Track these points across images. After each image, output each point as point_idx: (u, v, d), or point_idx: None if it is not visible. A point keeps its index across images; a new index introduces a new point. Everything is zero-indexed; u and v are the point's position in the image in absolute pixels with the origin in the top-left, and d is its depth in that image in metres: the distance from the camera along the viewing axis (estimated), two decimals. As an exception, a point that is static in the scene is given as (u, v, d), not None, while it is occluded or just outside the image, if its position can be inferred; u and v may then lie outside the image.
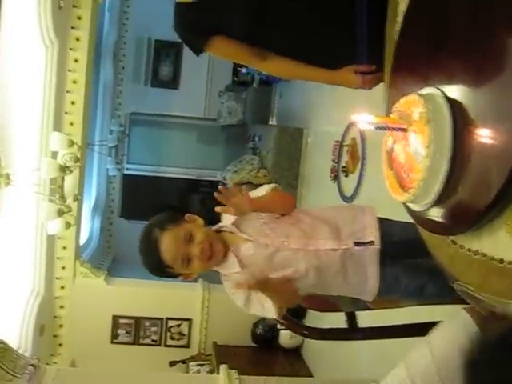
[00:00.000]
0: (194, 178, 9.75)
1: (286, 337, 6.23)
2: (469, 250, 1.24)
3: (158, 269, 1.79)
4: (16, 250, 5.22)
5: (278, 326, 6.29)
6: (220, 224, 1.87)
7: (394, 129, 1.35)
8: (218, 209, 1.74)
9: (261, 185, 6.10)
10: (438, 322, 1.60)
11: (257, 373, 4.70)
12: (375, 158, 4.64)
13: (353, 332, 1.87)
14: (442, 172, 1.24)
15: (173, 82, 9.49)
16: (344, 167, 5.21)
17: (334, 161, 5.47)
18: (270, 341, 6.34)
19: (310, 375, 5.84)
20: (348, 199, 5.03)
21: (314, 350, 5.94)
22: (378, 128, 1.36)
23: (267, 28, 1.94)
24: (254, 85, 8.77)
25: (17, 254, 5.26)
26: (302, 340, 6.27)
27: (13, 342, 3.80)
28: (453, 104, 1.26)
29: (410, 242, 1.69)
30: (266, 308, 1.75)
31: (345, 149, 5.22)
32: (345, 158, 5.22)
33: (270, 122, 8.67)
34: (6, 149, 4.71)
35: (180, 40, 2.04)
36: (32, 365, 3.30)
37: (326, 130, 6.14)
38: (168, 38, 9.04)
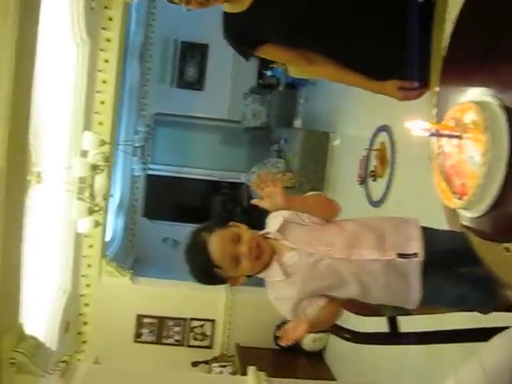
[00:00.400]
0: (216, 179, 9.77)
1: (308, 340, 6.22)
2: (524, 257, 1.25)
3: (207, 271, 1.80)
4: (45, 247, 5.28)
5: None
6: (265, 230, 1.89)
7: (449, 136, 1.36)
8: (254, 201, 1.77)
9: (287, 188, 6.10)
10: (479, 329, 1.61)
11: (279, 375, 4.71)
12: (404, 162, 4.63)
13: (395, 337, 1.87)
14: (498, 179, 1.25)
15: (198, 84, 9.52)
16: (372, 171, 5.20)
17: (360, 168, 5.47)
18: (292, 344, 6.32)
19: (332, 379, 5.83)
20: (376, 204, 5.02)
21: (337, 353, 5.94)
22: (433, 134, 1.37)
23: (313, 38, 1.98)
24: (280, 88, 8.78)
25: (46, 250, 5.32)
26: (325, 343, 6.26)
27: (39, 338, 3.84)
28: (509, 111, 1.26)
29: (454, 250, 1.69)
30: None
31: (373, 153, 5.21)
32: (373, 162, 5.21)
33: (295, 125, 8.67)
34: (37, 147, 4.77)
35: (230, 43, 2.09)
36: (64, 361, 3.34)
37: (354, 134, 6.14)
38: (194, 39, 9.12)
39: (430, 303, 1.79)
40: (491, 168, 1.25)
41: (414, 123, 1.34)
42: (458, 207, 1.37)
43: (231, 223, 1.87)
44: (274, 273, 1.80)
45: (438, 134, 1.37)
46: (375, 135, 5.20)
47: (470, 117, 1.32)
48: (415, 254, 1.74)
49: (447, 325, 1.87)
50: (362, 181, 5.44)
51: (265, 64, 9.07)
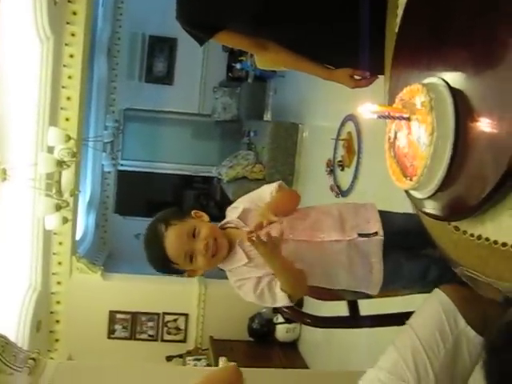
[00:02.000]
0: (188, 173, 9.75)
1: (282, 331, 6.26)
2: (471, 235, 1.27)
3: (163, 264, 1.80)
4: (13, 245, 5.23)
5: (274, 320, 6.32)
6: (225, 220, 1.89)
7: (397, 118, 1.38)
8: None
9: (257, 180, 6.08)
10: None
11: (254, 367, 4.72)
12: (371, 152, 4.67)
13: (356, 320, 1.89)
14: (445, 158, 1.27)
15: (167, 78, 9.48)
16: (340, 161, 5.23)
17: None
18: (266, 335, 6.36)
19: (306, 368, 5.87)
20: (344, 193, 5.05)
21: (311, 343, 5.98)
22: (381, 117, 1.38)
23: (271, 25, 1.97)
24: (249, 80, 8.78)
25: (14, 249, 5.26)
26: (299, 334, 6.30)
27: (10, 338, 3.80)
28: (455, 93, 1.28)
29: (411, 232, 1.72)
30: (277, 295, 1.75)
31: (340, 143, 5.24)
32: (340, 152, 5.25)
33: (265, 118, 8.69)
34: (2, 144, 4.71)
35: (184, 31, 2.07)
36: (32, 358, 3.30)
37: (322, 125, 6.17)
38: (162, 33, 9.04)
39: (391, 283, 1.81)
40: (437, 148, 1.27)
41: (364, 107, 1.35)
42: (408, 188, 1.39)
43: (193, 212, 1.85)
44: (238, 258, 1.80)
45: (386, 117, 1.38)
46: (342, 125, 5.23)
47: (419, 99, 1.34)
48: (375, 233, 1.77)
49: (409, 307, 1.89)
50: (331, 171, 5.47)
51: (234, 57, 9.07)
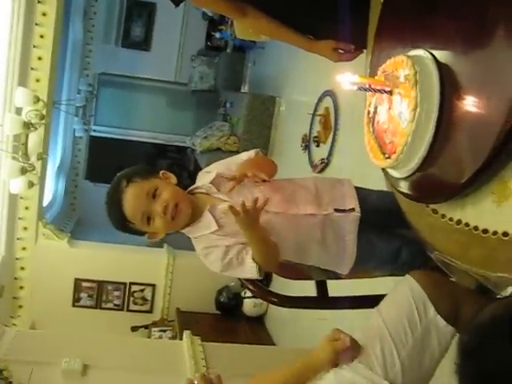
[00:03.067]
0: (162, 142, 9.61)
1: (249, 305, 6.22)
2: (450, 219, 1.20)
3: (121, 223, 1.71)
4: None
5: (242, 294, 6.27)
6: (194, 185, 1.78)
7: (379, 90, 1.29)
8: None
9: (231, 152, 6.01)
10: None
11: (220, 340, 4.68)
12: (348, 128, 4.59)
13: (324, 301, 1.82)
14: (427, 136, 1.19)
15: (144, 44, 9.27)
16: (316, 137, 5.14)
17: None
18: (233, 309, 6.32)
19: (272, 344, 5.85)
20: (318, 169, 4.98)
21: (277, 319, 5.95)
22: (361, 89, 1.29)
23: None
24: (228, 50, 8.62)
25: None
26: (266, 309, 6.26)
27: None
28: (441, 67, 1.20)
29: (386, 210, 1.65)
30: (247, 265, 1.67)
31: (317, 118, 5.15)
32: (317, 127, 5.16)
33: (242, 90, 8.54)
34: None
35: None
36: (-11, 325, 3.21)
37: (299, 100, 6.06)
38: (141, -3, 8.84)
39: (362, 263, 1.74)
40: (419, 125, 1.19)
41: (343, 76, 1.26)
42: (386, 166, 1.31)
43: (161, 172, 1.75)
44: (207, 224, 1.70)
45: (367, 89, 1.29)
46: (320, 100, 5.14)
47: (402, 71, 1.26)
48: (352, 209, 1.71)
49: (376, 290, 1.83)
50: (306, 146, 5.39)
51: (213, 25, 8.88)
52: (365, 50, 1.93)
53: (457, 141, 1.15)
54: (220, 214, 1.69)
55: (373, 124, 1.37)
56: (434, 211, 1.25)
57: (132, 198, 1.66)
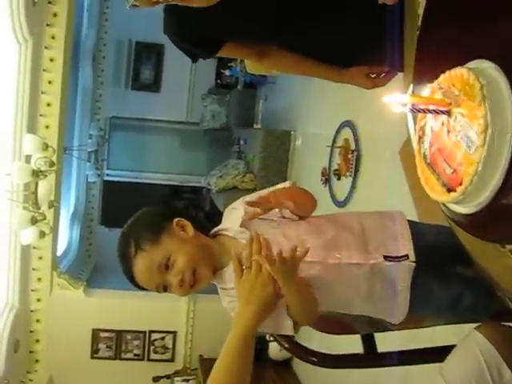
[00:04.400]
0: (177, 183, 9.47)
1: (275, 349, 5.93)
2: (537, 261, 0.98)
3: (136, 286, 1.51)
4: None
5: (267, 338, 6.01)
6: (220, 226, 1.55)
7: (435, 111, 1.08)
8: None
9: (248, 190, 5.78)
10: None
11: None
12: (370, 159, 4.39)
13: (372, 358, 1.58)
14: (501, 163, 0.98)
15: (154, 85, 9.23)
16: (336, 170, 4.95)
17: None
18: (258, 353, 6.03)
19: (301, 388, 5.58)
20: (341, 204, 4.76)
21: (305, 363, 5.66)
22: (415, 110, 1.09)
23: (283, 33, 1.71)
24: (238, 87, 8.53)
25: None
26: (293, 352, 5.98)
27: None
28: (511, 77, 1.00)
29: (445, 247, 1.42)
30: (282, 322, 1.45)
31: (337, 150, 4.96)
32: (337, 160, 4.96)
33: (255, 126, 8.43)
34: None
35: (180, 44, 1.77)
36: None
37: (316, 132, 5.89)
38: (149, 39, 8.81)
39: (417, 309, 1.48)
40: (492, 149, 0.98)
41: (392, 97, 1.06)
42: (449, 201, 1.09)
43: (175, 221, 1.51)
44: (234, 277, 1.46)
45: (421, 110, 1.09)
46: (338, 131, 4.95)
47: (462, 87, 1.05)
48: (405, 256, 1.44)
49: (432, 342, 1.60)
50: (326, 180, 5.18)
51: (223, 63, 8.82)
52: (399, 73, 1.75)
53: (540, 166, 0.94)
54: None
55: (428, 152, 1.16)
56: (514, 252, 1.03)
57: (143, 270, 1.46)
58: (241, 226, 1.49)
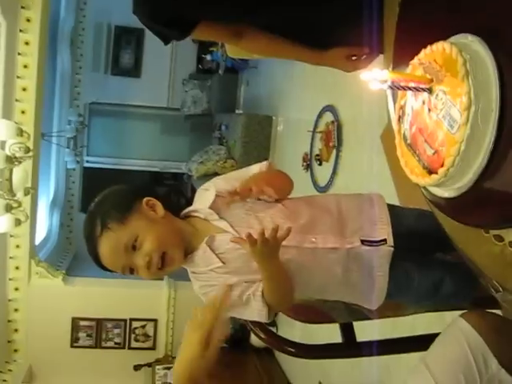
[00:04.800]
0: (158, 170, 9.36)
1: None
2: (523, 247, 0.93)
3: (102, 268, 1.44)
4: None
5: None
6: (191, 208, 1.48)
7: (415, 88, 1.02)
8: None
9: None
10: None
11: (227, 374, 4.40)
12: (352, 144, 4.34)
13: (352, 347, 1.52)
14: (485, 142, 0.92)
15: (134, 70, 9.09)
16: (317, 155, 4.89)
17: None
18: (240, 340, 6.00)
19: (283, 375, 5.54)
20: (322, 189, 4.71)
21: (288, 349, 5.64)
22: (394, 87, 1.02)
23: (259, 10, 1.62)
24: (220, 72, 8.41)
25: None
26: (275, 339, 5.95)
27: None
28: (497, 53, 0.93)
29: (425, 233, 1.37)
30: (254, 307, 1.40)
31: (318, 135, 4.90)
32: (318, 145, 4.90)
33: (237, 111, 8.34)
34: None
35: (152, 25, 1.68)
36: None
37: (297, 117, 5.83)
38: (129, 23, 8.64)
39: (396, 295, 1.43)
40: (475, 128, 0.92)
41: (370, 74, 0.99)
42: (430, 184, 1.03)
43: (145, 201, 1.44)
44: (206, 259, 1.41)
45: (401, 87, 1.02)
46: (320, 116, 4.89)
47: (443, 62, 0.99)
48: (383, 241, 1.39)
49: (413, 330, 1.55)
50: (308, 166, 5.13)
51: (204, 48, 8.70)
52: (381, 55, 1.67)
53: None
54: (221, 248, 1.40)
55: (408, 132, 1.10)
56: (498, 238, 0.97)
57: (108, 251, 1.39)
58: (211, 207, 1.43)
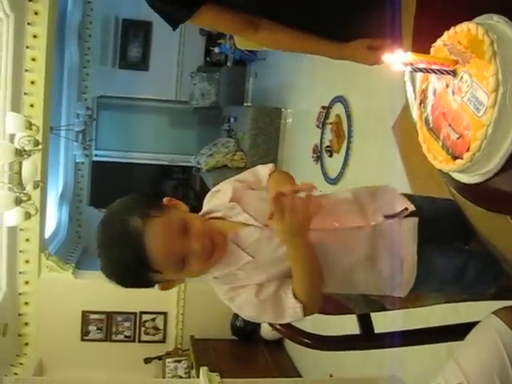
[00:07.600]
0: (166, 163, 9.35)
1: (267, 328, 5.88)
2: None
3: (134, 273, 1.30)
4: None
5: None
6: (206, 208, 1.42)
7: (440, 71, 0.99)
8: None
9: (238, 168, 5.66)
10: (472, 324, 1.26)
11: (237, 367, 4.38)
12: (362, 135, 4.30)
13: (370, 339, 1.50)
14: (514, 125, 0.89)
15: (142, 64, 9.06)
16: (328, 147, 4.85)
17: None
18: (250, 333, 6.00)
19: (293, 368, 5.52)
20: (333, 181, 4.68)
21: (298, 341, 5.61)
22: (418, 70, 0.99)
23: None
24: (228, 64, 8.38)
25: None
26: (285, 331, 5.94)
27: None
28: (524, 33, 0.90)
29: (443, 221, 1.34)
30: (288, 305, 1.31)
31: (328, 127, 4.86)
32: (328, 136, 4.86)
33: (246, 104, 8.30)
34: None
35: (155, 12, 1.65)
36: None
37: (307, 109, 5.78)
38: (136, 16, 8.61)
39: (421, 285, 1.37)
40: (503, 111, 0.89)
41: (392, 56, 0.96)
42: (455, 169, 1.00)
43: (165, 200, 1.36)
44: (234, 257, 1.33)
45: (424, 70, 0.99)
46: (330, 107, 4.85)
47: (469, 43, 0.96)
48: (405, 211, 1.36)
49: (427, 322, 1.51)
50: (318, 157, 5.09)
51: (212, 40, 8.66)
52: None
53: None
54: (246, 242, 1.34)
55: (431, 116, 1.06)
56: (526, 225, 0.94)
57: (161, 237, 1.26)
58: (230, 201, 1.38)
